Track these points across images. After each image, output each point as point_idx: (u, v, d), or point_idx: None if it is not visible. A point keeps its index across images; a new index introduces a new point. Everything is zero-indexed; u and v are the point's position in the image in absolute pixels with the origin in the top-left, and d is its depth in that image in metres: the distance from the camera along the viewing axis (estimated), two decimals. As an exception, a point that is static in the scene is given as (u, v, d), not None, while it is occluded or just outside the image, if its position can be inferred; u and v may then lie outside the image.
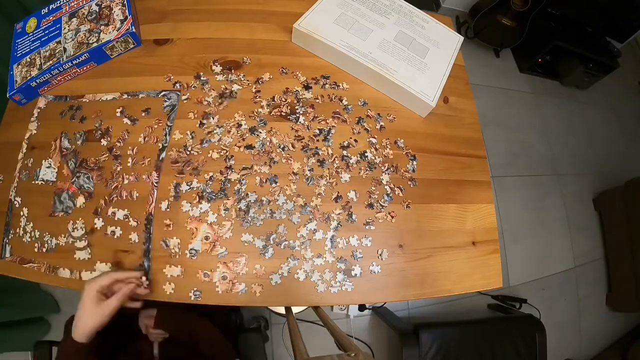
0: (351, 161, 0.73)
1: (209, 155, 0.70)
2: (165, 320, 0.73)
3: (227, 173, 0.69)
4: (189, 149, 0.70)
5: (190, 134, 0.72)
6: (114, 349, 0.68)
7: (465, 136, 0.82)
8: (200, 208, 0.66)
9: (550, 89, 2.30)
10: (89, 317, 0.55)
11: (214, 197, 0.67)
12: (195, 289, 0.62)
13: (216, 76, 0.78)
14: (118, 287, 0.58)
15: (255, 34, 0.85)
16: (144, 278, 0.61)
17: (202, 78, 0.78)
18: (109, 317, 0.56)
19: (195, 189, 0.68)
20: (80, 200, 0.67)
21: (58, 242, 0.65)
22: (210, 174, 0.69)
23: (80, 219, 0.66)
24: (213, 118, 0.73)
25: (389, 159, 0.75)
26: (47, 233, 0.66)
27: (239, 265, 0.64)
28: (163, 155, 0.70)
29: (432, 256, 0.70)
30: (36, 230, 0.66)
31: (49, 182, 0.69)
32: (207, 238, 0.65)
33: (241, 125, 0.73)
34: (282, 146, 0.72)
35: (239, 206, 0.67)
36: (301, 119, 0.75)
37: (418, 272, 0.68)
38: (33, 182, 0.70)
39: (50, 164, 0.70)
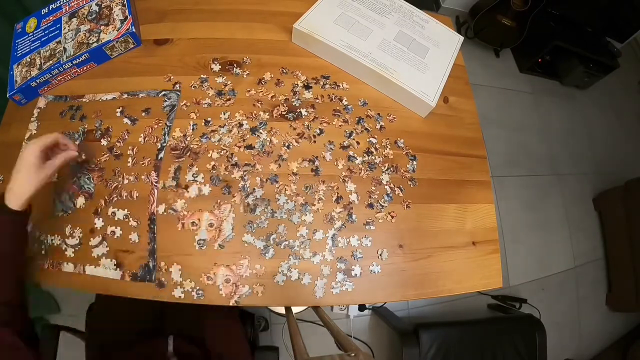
0: (354, 162, 0.73)
1: (209, 155, 0.70)
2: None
3: (233, 171, 0.69)
4: (189, 146, 0.70)
5: (190, 133, 0.72)
6: (125, 350, 0.67)
7: (465, 136, 0.82)
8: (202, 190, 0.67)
9: (550, 89, 2.30)
10: (29, 180, 0.52)
11: (217, 184, 0.68)
12: (197, 287, 0.62)
13: (216, 76, 0.78)
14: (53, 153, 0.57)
15: (255, 34, 0.85)
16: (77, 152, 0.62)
17: (201, 78, 0.78)
18: (47, 182, 0.54)
19: (199, 181, 0.68)
20: (81, 201, 0.67)
21: (57, 242, 0.65)
22: (213, 163, 0.69)
23: (78, 227, 0.66)
24: (213, 118, 0.73)
25: (389, 159, 0.75)
26: (46, 233, 0.66)
27: (242, 267, 0.64)
28: (161, 155, 0.70)
29: (432, 256, 0.70)
30: (36, 231, 0.66)
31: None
32: (211, 225, 0.65)
33: (242, 124, 0.73)
34: (282, 145, 0.72)
35: (246, 201, 0.67)
36: (301, 119, 0.75)
37: (418, 272, 0.68)
38: (33, 182, 0.69)
39: (50, 164, 0.70)
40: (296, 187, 0.69)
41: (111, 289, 0.63)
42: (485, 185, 0.78)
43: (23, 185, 0.52)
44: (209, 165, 0.69)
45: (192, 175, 0.68)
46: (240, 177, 0.69)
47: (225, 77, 0.78)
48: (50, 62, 0.75)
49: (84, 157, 0.64)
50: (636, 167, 2.10)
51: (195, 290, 0.62)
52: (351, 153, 0.74)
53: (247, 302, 0.63)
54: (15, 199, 0.51)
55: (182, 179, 0.68)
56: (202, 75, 0.78)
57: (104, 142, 0.71)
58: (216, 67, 0.79)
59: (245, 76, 0.79)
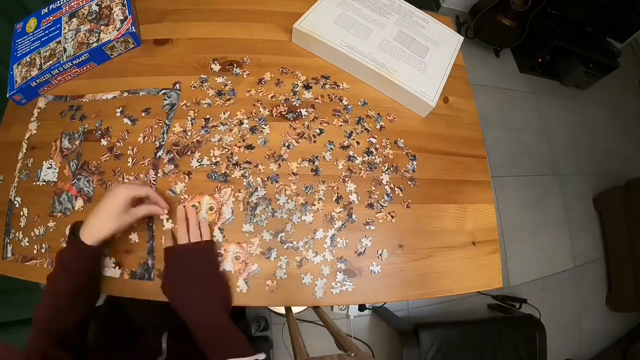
0: (354, 162, 0.73)
1: (211, 152, 0.70)
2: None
3: (233, 170, 0.69)
4: (190, 142, 0.70)
5: (190, 128, 0.72)
6: (119, 348, 0.67)
7: (465, 136, 0.82)
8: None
9: (550, 89, 2.30)
10: (110, 221, 0.53)
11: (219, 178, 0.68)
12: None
13: (216, 76, 0.78)
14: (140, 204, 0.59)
15: (255, 34, 0.85)
16: (166, 210, 0.63)
17: (201, 78, 0.78)
18: (126, 227, 0.56)
19: (205, 164, 0.69)
20: (79, 203, 0.67)
21: (57, 242, 0.65)
22: (217, 159, 0.70)
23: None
24: (213, 117, 0.73)
25: (389, 159, 0.75)
26: (46, 233, 0.66)
27: (253, 246, 0.64)
28: (160, 153, 0.70)
29: (432, 256, 0.70)
30: (36, 230, 0.66)
31: (50, 183, 0.69)
32: (211, 209, 0.66)
33: (242, 123, 0.73)
34: (282, 145, 0.72)
35: (250, 199, 0.67)
36: (301, 119, 0.75)
37: (418, 272, 0.68)
38: (34, 183, 0.70)
39: (51, 165, 0.70)
40: (296, 187, 0.69)
41: (109, 287, 0.63)
42: (485, 185, 0.78)
43: (104, 225, 0.53)
44: (212, 159, 0.69)
45: (197, 161, 0.69)
46: (242, 176, 0.69)
47: (225, 77, 0.78)
48: (50, 62, 0.75)
49: (167, 214, 0.63)
50: (636, 167, 2.10)
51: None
52: (351, 153, 0.74)
53: (247, 301, 0.63)
54: (91, 239, 0.53)
55: (184, 165, 0.69)
56: (202, 75, 0.78)
57: (104, 142, 0.71)
58: (216, 67, 0.79)
59: (245, 76, 0.79)
